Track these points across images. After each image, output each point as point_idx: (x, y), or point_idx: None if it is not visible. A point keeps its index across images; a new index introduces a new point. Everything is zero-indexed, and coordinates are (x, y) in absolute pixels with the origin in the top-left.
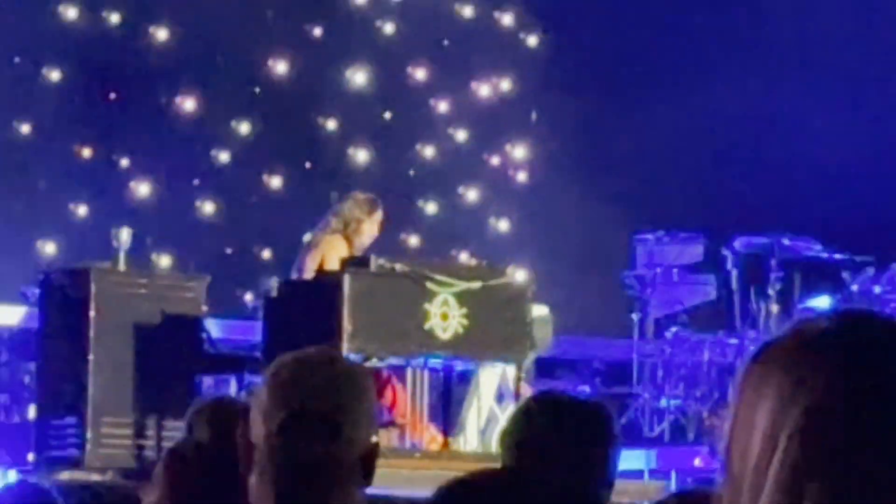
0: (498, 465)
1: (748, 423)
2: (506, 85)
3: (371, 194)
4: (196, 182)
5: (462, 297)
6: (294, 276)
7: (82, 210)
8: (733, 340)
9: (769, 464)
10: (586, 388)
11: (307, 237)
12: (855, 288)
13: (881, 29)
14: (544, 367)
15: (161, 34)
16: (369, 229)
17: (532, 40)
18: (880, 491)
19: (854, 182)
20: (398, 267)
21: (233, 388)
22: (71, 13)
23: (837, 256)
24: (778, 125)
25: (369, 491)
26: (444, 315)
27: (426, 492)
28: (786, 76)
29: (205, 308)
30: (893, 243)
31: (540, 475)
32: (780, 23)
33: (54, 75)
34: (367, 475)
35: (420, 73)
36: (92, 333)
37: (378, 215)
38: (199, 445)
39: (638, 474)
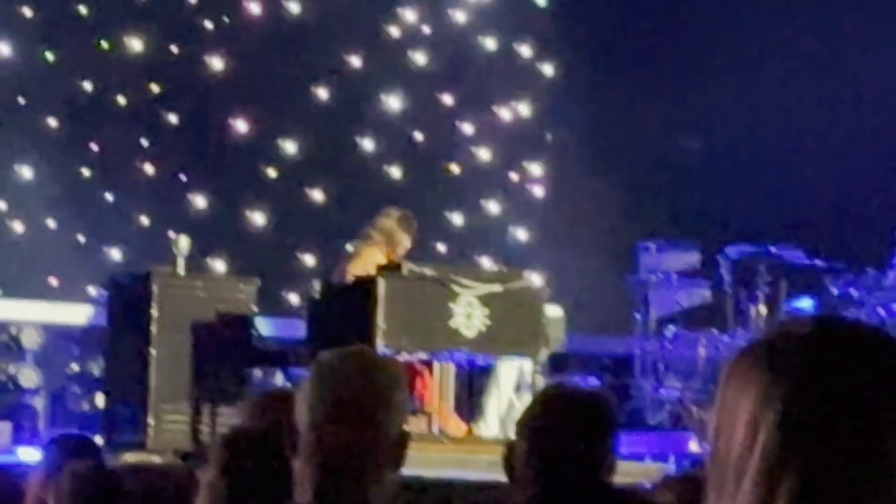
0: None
1: (732, 414)
2: (524, 109)
3: (407, 211)
4: (247, 195)
5: (484, 299)
6: (335, 280)
7: (145, 220)
8: (726, 338)
9: (751, 451)
10: (594, 380)
11: (350, 247)
12: (835, 292)
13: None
14: (557, 362)
15: (216, 63)
16: (405, 242)
17: (547, 69)
18: (848, 478)
19: (835, 191)
20: (427, 271)
21: (279, 380)
22: (136, 44)
23: (819, 263)
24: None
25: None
26: (469, 315)
27: (452, 473)
28: (766, 89)
29: (255, 308)
30: (870, 249)
31: (553, 457)
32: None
33: (120, 99)
34: (400, 459)
35: (447, 98)
36: (153, 330)
37: (413, 230)
38: (249, 431)
39: (640, 457)
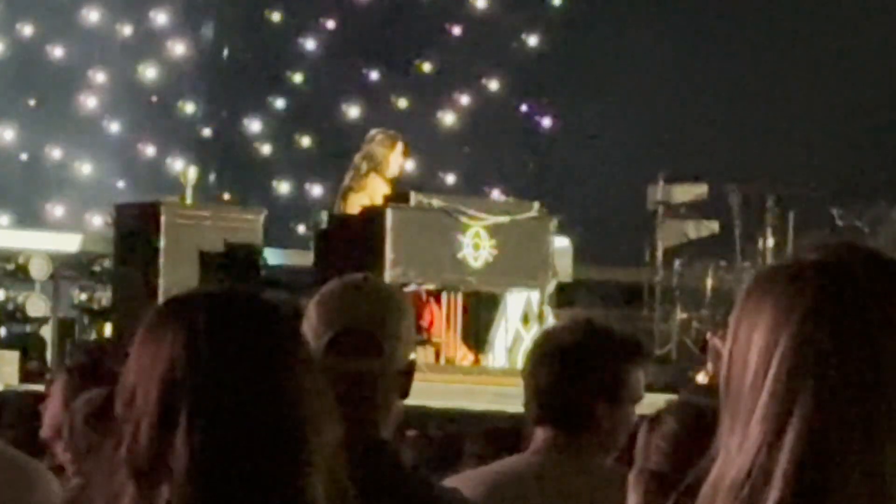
0: (522, 381)
1: (747, 338)
2: (532, 41)
3: (389, 130)
4: (255, 126)
5: (492, 230)
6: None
7: (150, 150)
8: (733, 269)
9: (765, 375)
10: (603, 312)
11: (346, 183)
12: (841, 224)
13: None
14: (565, 292)
15: None
16: (395, 160)
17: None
18: (862, 401)
19: (843, 124)
20: (435, 202)
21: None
22: None
23: (827, 195)
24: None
25: (407, 402)
26: (476, 245)
27: (459, 403)
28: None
29: (262, 238)
30: (880, 182)
31: (560, 390)
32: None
33: (126, 29)
34: (405, 388)
35: (456, 30)
36: (161, 260)
37: (399, 146)
38: None
39: (648, 388)
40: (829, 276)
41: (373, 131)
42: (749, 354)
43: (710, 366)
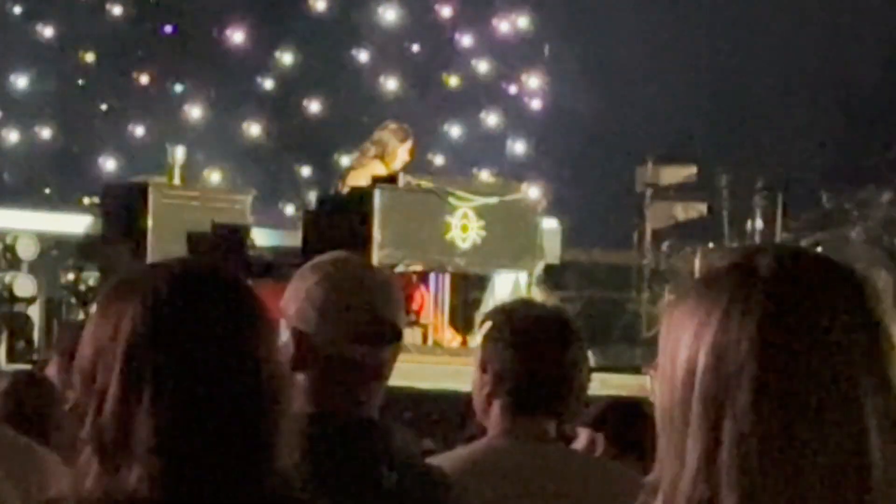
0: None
1: (672, 359)
2: (522, 21)
3: (404, 124)
4: (243, 106)
5: (480, 211)
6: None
7: (139, 130)
8: (721, 251)
9: (692, 389)
10: (591, 293)
11: (348, 160)
12: (828, 206)
13: None
14: (553, 274)
15: None
16: (402, 154)
17: None
18: (792, 390)
19: (832, 107)
20: (423, 183)
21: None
22: None
23: (815, 178)
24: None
25: (398, 383)
26: (464, 227)
27: (447, 385)
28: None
29: (250, 218)
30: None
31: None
32: None
33: (116, 10)
34: (390, 370)
35: (445, 10)
36: (149, 240)
37: (409, 143)
38: None
39: (636, 370)
40: (740, 277)
41: (387, 121)
42: (675, 370)
43: None
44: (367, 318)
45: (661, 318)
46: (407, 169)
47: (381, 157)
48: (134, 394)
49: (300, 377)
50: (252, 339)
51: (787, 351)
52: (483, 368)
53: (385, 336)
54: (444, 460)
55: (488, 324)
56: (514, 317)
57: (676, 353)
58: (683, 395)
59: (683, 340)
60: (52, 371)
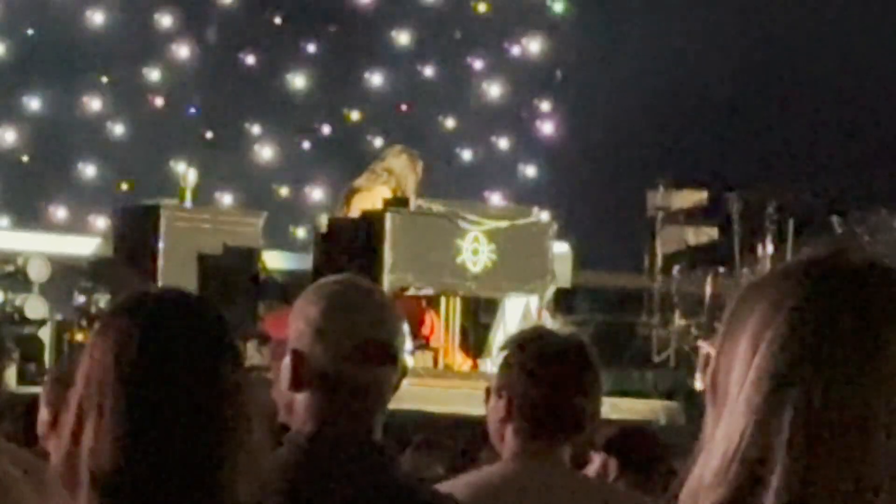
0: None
1: (734, 344)
2: (534, 45)
3: (414, 151)
4: (256, 129)
5: (491, 235)
6: (338, 214)
7: (153, 153)
8: (732, 276)
9: (750, 369)
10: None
11: (357, 182)
12: (841, 231)
13: None
14: (564, 298)
15: None
16: (411, 182)
17: (558, 5)
18: (852, 395)
19: (844, 131)
20: (435, 207)
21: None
22: None
23: (826, 203)
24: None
25: (407, 407)
26: (475, 250)
27: (457, 408)
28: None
29: (262, 241)
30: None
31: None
32: None
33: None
34: (390, 392)
35: (457, 33)
36: (161, 262)
37: (420, 169)
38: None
39: (646, 395)
40: (819, 272)
41: (396, 146)
42: (735, 355)
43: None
44: (360, 338)
45: (672, 340)
46: (418, 192)
47: (391, 182)
48: (97, 420)
49: (300, 397)
50: (218, 369)
51: (873, 339)
52: (498, 394)
53: (378, 357)
54: (457, 484)
55: (506, 351)
56: (531, 344)
57: (739, 339)
58: (739, 377)
59: (750, 326)
60: (43, 394)
